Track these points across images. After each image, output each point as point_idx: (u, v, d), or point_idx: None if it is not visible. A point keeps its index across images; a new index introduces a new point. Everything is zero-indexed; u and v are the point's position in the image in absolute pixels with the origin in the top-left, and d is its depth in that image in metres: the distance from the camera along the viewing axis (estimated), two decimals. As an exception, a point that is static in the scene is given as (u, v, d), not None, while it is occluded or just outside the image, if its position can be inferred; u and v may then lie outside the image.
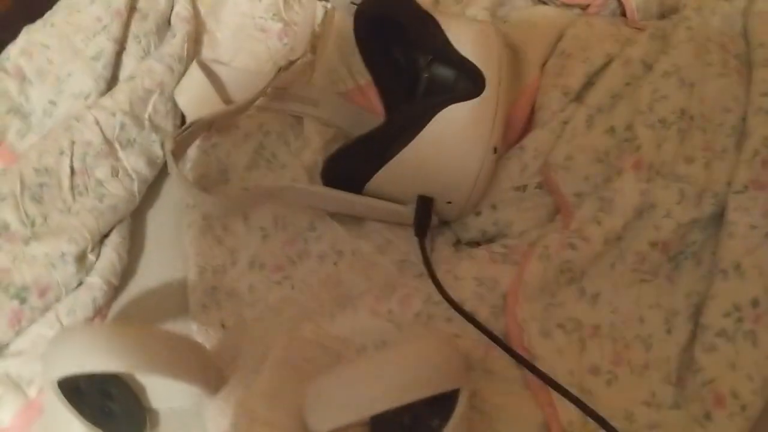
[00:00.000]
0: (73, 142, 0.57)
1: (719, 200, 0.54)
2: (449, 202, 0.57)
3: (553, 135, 0.59)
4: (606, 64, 0.61)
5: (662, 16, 0.69)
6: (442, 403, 0.43)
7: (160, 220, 0.62)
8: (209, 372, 0.47)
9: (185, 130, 0.58)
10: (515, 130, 0.61)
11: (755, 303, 0.50)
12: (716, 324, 0.50)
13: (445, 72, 0.60)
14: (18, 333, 0.51)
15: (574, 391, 0.47)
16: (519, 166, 0.58)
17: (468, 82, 0.58)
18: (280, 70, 0.62)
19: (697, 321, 0.53)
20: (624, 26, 0.66)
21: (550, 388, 0.48)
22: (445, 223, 0.60)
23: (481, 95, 0.56)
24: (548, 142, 0.58)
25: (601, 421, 0.46)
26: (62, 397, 0.43)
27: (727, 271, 0.51)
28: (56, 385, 0.43)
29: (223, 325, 0.53)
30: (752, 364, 0.49)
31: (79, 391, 0.45)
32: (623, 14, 0.70)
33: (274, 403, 0.46)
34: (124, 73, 0.63)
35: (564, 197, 0.57)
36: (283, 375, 0.48)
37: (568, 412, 0.48)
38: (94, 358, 0.43)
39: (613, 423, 0.46)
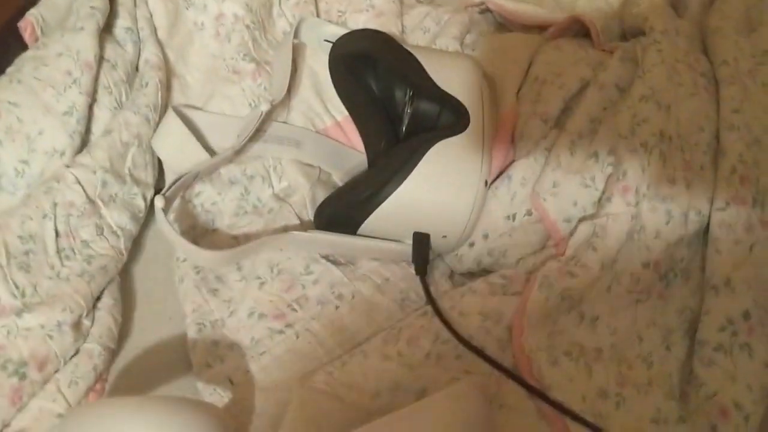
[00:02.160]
0: (55, 204, 0.55)
1: (702, 217, 0.57)
2: (444, 237, 0.57)
3: (538, 163, 0.60)
4: (581, 89, 0.63)
5: (624, 37, 0.72)
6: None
7: (148, 276, 0.61)
8: (228, 434, 0.47)
9: (174, 185, 0.56)
10: (498, 159, 0.62)
11: (746, 316, 0.52)
12: (712, 339, 0.52)
13: (427, 107, 0.60)
14: (19, 409, 0.49)
15: (588, 416, 0.49)
16: (508, 195, 0.59)
17: (451, 116, 0.59)
18: (262, 113, 0.61)
19: (692, 336, 0.55)
20: (591, 49, 0.68)
21: (564, 417, 0.49)
22: (438, 256, 0.61)
23: (468, 128, 0.57)
24: (534, 170, 0.60)
25: None
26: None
27: (718, 286, 0.54)
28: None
29: (231, 381, 0.52)
30: (750, 374, 0.51)
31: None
32: (586, 36, 0.73)
33: (301, 462, 0.46)
34: (97, 126, 0.61)
35: (554, 224, 0.58)
36: (305, 431, 0.47)
37: (585, 439, 0.49)
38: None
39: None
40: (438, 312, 0.52)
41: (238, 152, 0.63)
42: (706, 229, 0.57)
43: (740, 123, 0.58)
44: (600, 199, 0.57)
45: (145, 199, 0.61)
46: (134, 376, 0.55)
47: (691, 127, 0.58)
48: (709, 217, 0.57)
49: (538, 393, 0.50)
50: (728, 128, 0.58)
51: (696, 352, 0.53)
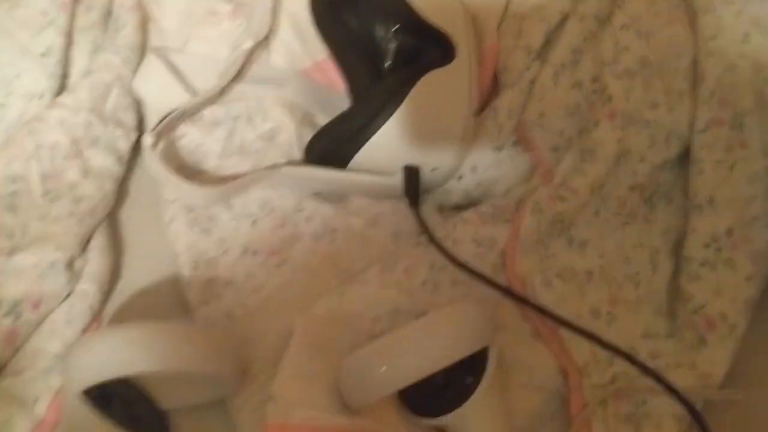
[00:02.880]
0: (39, 146, 0.54)
1: (683, 141, 0.58)
2: (434, 169, 0.58)
3: (523, 94, 0.61)
4: (561, 22, 0.63)
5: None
6: (473, 361, 0.45)
7: (135, 220, 0.59)
8: (235, 361, 0.47)
9: (161, 123, 0.55)
10: (483, 93, 0.62)
11: (729, 232, 0.54)
12: (698, 255, 0.54)
13: (413, 40, 0.60)
14: (16, 350, 0.48)
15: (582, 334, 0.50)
16: (495, 127, 0.59)
17: (437, 48, 0.59)
18: (246, 50, 0.60)
19: (677, 255, 0.57)
20: (567, -16, 0.69)
21: (560, 335, 0.51)
22: (426, 191, 0.61)
23: (455, 60, 0.57)
24: (519, 101, 0.60)
25: (612, 348, 0.49)
26: (93, 408, 0.42)
27: (702, 205, 0.55)
28: (83, 397, 0.42)
29: (230, 316, 0.52)
30: (734, 287, 0.53)
31: (101, 402, 0.43)
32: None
33: (308, 384, 0.46)
34: (75, 69, 0.59)
35: (541, 153, 0.59)
36: (310, 356, 0.47)
37: (581, 354, 0.50)
38: (127, 361, 0.41)
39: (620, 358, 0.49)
40: (432, 238, 0.53)
41: (221, 93, 0.62)
42: (686, 153, 0.59)
43: (717, 49, 0.60)
44: (586, 126, 0.58)
45: (128, 142, 0.60)
46: (127, 317, 0.54)
47: (670, 54, 0.60)
48: (689, 141, 0.58)
49: (535, 307, 0.51)
50: (706, 54, 0.60)
51: (683, 268, 0.55)
